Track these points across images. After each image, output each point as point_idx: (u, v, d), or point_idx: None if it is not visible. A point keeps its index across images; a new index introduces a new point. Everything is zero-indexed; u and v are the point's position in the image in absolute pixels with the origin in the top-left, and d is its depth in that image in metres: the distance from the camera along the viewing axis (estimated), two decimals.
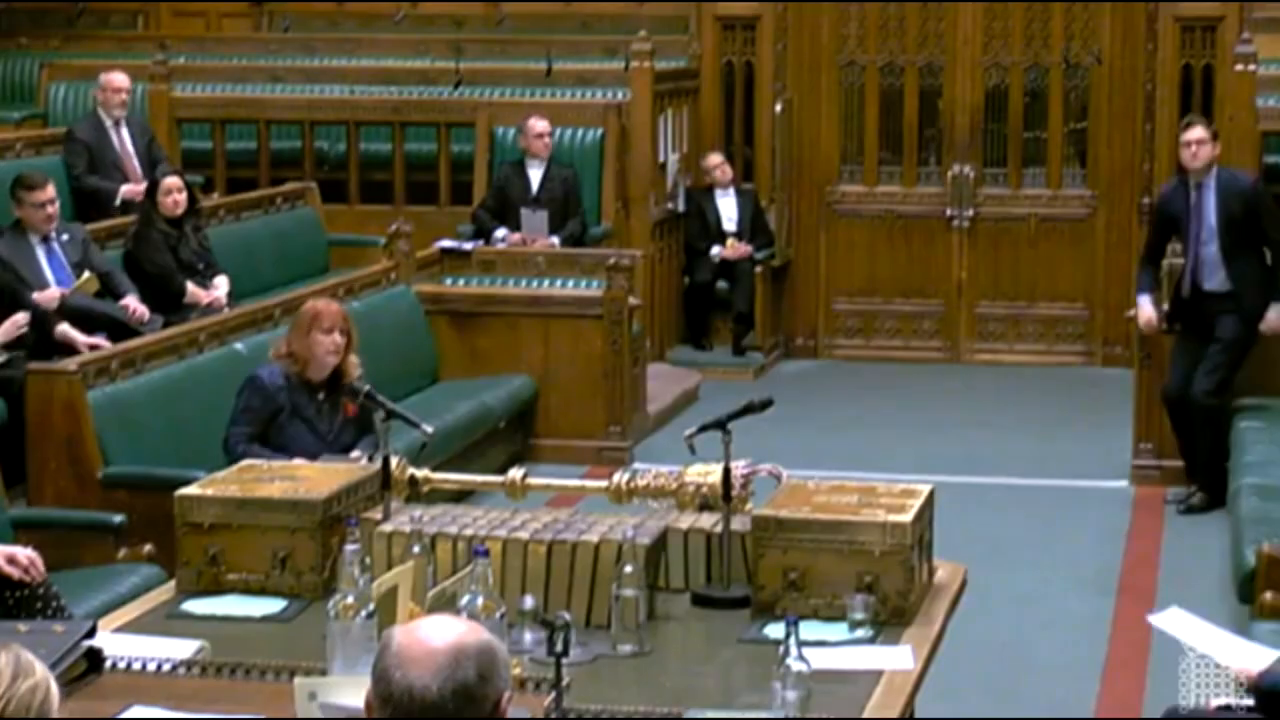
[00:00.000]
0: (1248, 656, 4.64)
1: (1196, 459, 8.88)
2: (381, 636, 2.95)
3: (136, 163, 10.66)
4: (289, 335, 6.98)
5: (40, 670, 2.84)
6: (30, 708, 2.80)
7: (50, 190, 8.69)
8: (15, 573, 5.06)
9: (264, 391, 6.86)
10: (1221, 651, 4.70)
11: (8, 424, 7.50)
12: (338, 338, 6.80)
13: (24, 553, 5.11)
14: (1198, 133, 8.89)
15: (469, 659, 2.78)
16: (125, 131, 10.74)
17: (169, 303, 9.13)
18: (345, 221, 11.82)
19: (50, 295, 8.41)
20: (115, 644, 4.35)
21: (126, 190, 10.42)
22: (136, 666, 4.25)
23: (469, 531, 4.77)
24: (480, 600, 4.04)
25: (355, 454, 6.75)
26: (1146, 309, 9.02)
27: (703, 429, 4.98)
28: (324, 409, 6.91)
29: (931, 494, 4.93)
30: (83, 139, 10.64)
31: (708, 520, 4.96)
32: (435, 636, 2.81)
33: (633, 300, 9.97)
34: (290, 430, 6.85)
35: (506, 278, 10.17)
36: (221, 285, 9.42)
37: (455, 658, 2.78)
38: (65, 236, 8.77)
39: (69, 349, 8.09)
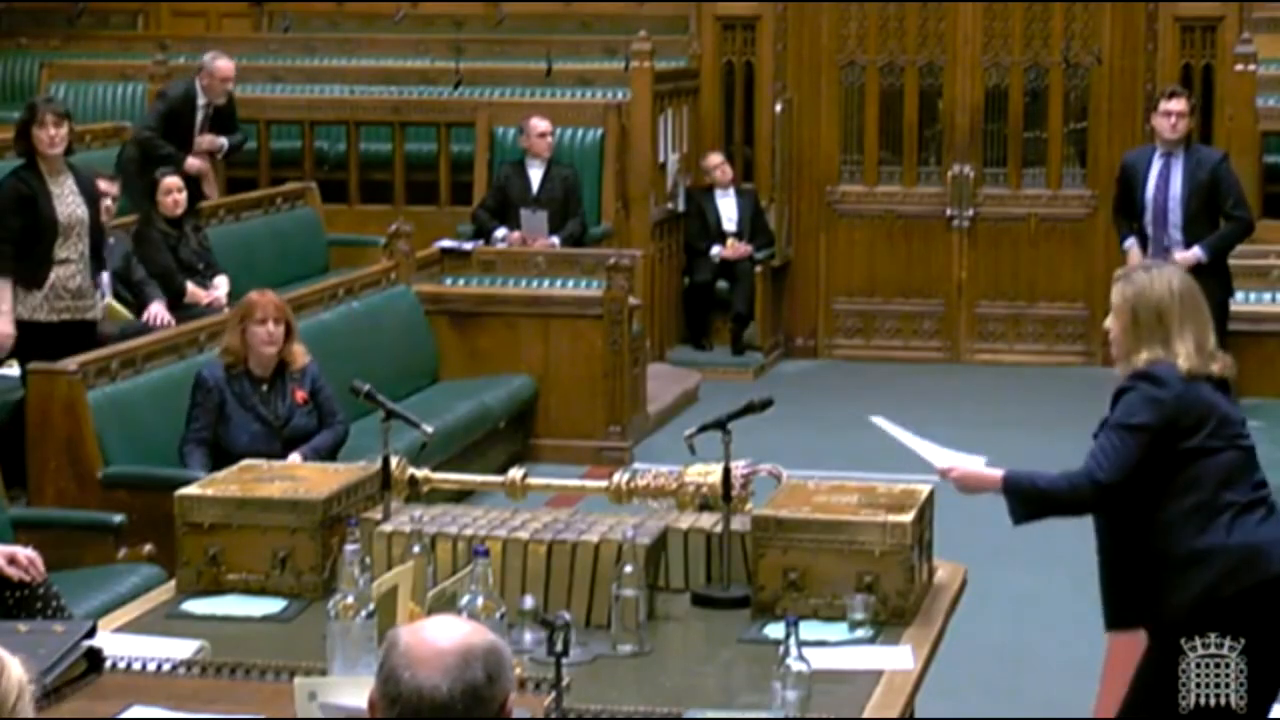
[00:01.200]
0: (942, 455, 4.87)
1: None
2: (384, 637, 2.94)
3: (202, 133, 10.65)
4: (227, 332, 7.14)
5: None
6: None
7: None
8: (15, 573, 5.06)
9: (205, 387, 7.11)
10: (925, 450, 4.91)
11: (8, 424, 7.49)
12: (272, 328, 7.00)
13: (24, 553, 5.11)
14: (1180, 104, 8.95)
15: (478, 659, 2.77)
16: (212, 110, 10.71)
17: (169, 303, 9.13)
18: (345, 221, 11.83)
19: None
20: (115, 644, 4.35)
21: (192, 164, 10.39)
22: (136, 666, 4.24)
23: (469, 531, 4.77)
24: (480, 600, 4.03)
25: (294, 457, 6.96)
26: (1136, 252, 9.06)
27: (703, 429, 4.98)
28: (269, 397, 7.11)
29: (931, 494, 4.93)
30: (171, 100, 10.60)
31: (708, 520, 4.95)
32: (443, 637, 2.80)
33: (633, 300, 9.97)
34: (236, 419, 7.08)
35: (506, 278, 10.17)
36: (221, 285, 9.42)
37: (464, 658, 2.77)
38: (111, 240, 8.77)
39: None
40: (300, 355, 7.17)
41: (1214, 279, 8.94)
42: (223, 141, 10.65)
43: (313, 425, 7.19)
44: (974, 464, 4.86)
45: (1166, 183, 8.94)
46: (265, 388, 7.11)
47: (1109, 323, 4.69)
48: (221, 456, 7.02)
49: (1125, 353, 4.64)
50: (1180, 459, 4.52)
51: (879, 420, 5.12)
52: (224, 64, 10.64)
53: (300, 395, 7.14)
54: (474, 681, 2.76)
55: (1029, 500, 4.65)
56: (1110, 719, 6.08)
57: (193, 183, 10.21)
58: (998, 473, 4.71)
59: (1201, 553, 4.50)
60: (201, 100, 10.60)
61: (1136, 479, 4.51)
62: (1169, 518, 4.51)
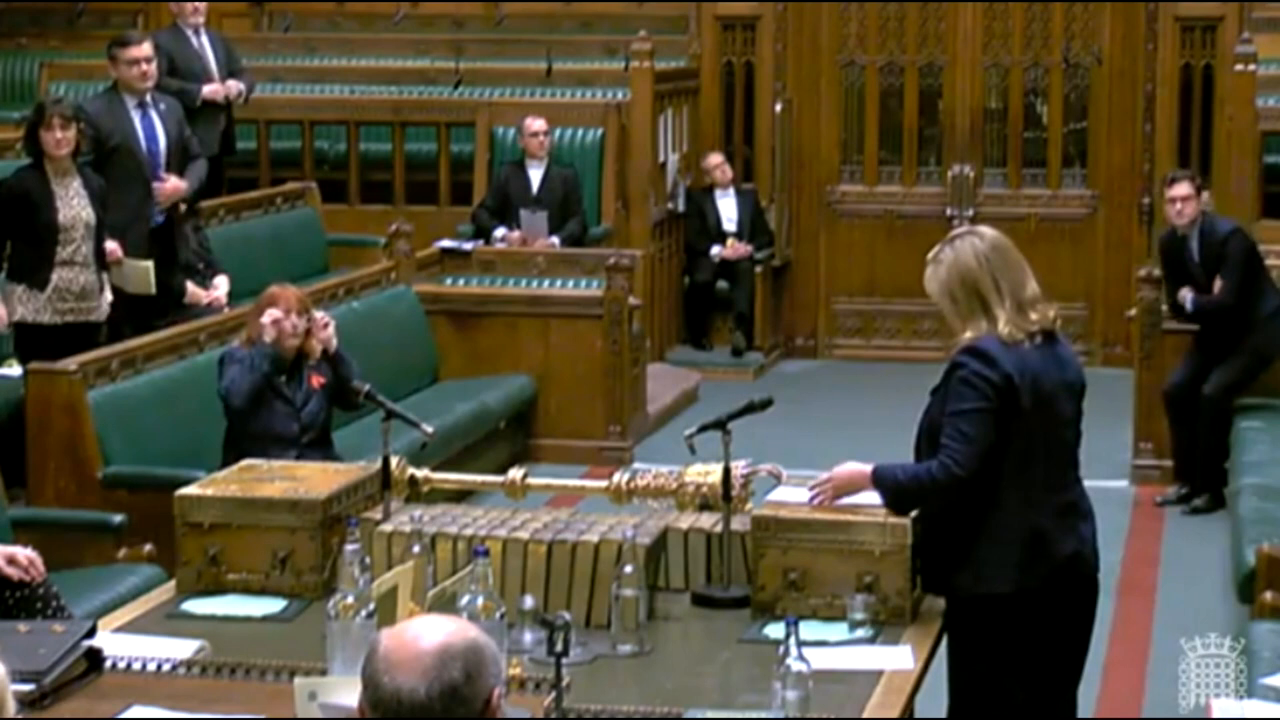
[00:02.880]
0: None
1: (1197, 458, 8.89)
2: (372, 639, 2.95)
3: (215, 67, 10.57)
4: (248, 322, 7.19)
5: None
6: None
7: (148, 48, 8.73)
8: (15, 573, 5.06)
9: (235, 356, 7.13)
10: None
11: (8, 424, 7.49)
12: (295, 319, 6.99)
13: (24, 553, 5.11)
14: (1183, 189, 8.84)
15: (455, 659, 2.77)
16: (205, 39, 10.65)
17: (171, 302, 9.12)
18: (345, 221, 11.83)
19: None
20: (115, 644, 4.35)
21: (209, 90, 10.33)
22: (136, 666, 4.25)
23: (469, 531, 4.77)
24: (480, 600, 4.03)
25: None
26: (1186, 291, 8.97)
27: (703, 429, 4.98)
28: (289, 383, 7.15)
29: None
30: (163, 44, 10.57)
31: (708, 520, 4.95)
32: (421, 638, 2.80)
33: (633, 300, 9.97)
34: (263, 398, 7.07)
35: (506, 278, 10.17)
36: (221, 285, 9.41)
37: (441, 659, 2.77)
38: (163, 106, 8.77)
39: None
40: (317, 349, 7.22)
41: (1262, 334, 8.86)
42: (241, 87, 10.57)
43: (326, 410, 7.23)
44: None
45: (1190, 266, 8.88)
46: (284, 377, 7.15)
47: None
48: (243, 435, 7.02)
49: (956, 331, 4.63)
50: (1006, 438, 4.49)
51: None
52: None
53: (316, 380, 7.19)
54: (452, 682, 2.76)
55: (895, 493, 4.62)
56: (1110, 719, 6.09)
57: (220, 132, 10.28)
58: (868, 467, 4.68)
59: (1008, 535, 4.49)
60: (188, 29, 10.49)
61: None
62: (989, 495, 4.50)
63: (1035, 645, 4.54)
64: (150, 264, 8.54)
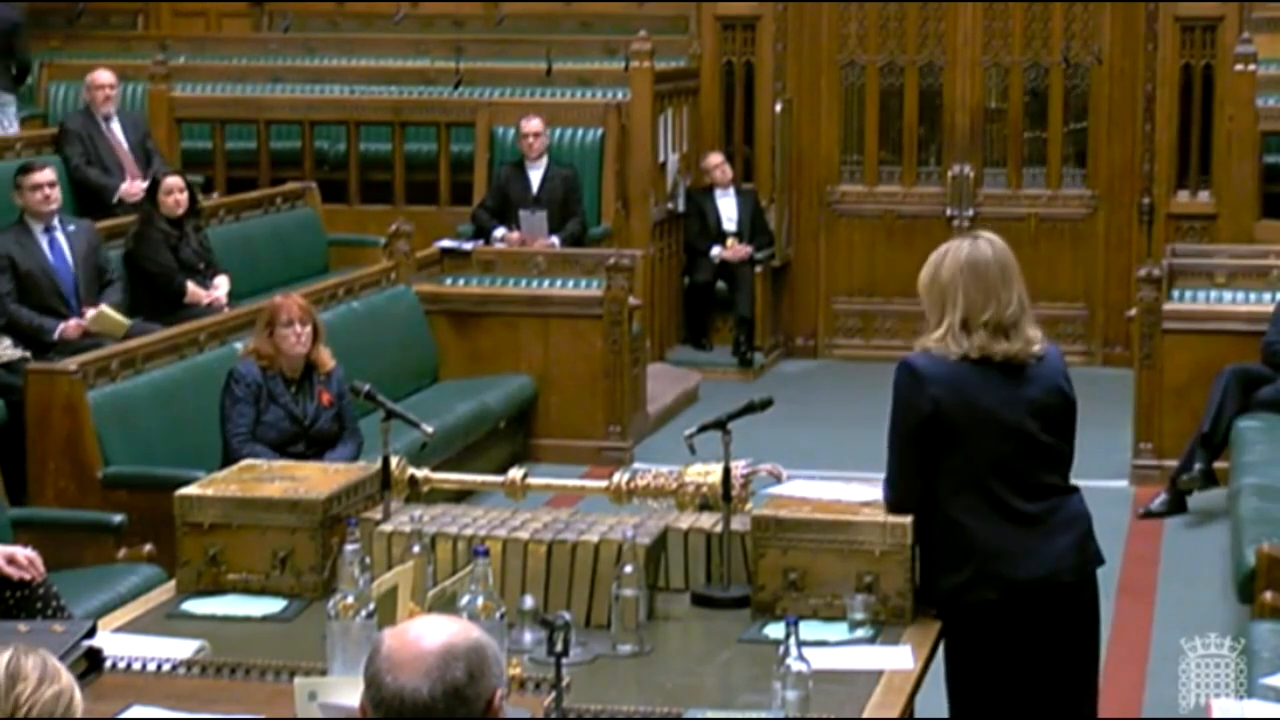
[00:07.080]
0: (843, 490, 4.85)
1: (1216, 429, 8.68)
2: (373, 639, 2.95)
3: (131, 158, 10.62)
4: (254, 336, 7.19)
5: (66, 678, 2.84)
6: (53, 714, 2.79)
7: (49, 173, 8.65)
8: (15, 573, 5.06)
9: (244, 380, 7.09)
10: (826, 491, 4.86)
11: (8, 424, 7.50)
12: (299, 329, 7.02)
13: (24, 553, 5.12)
14: None
15: (458, 659, 2.78)
16: (116, 126, 10.69)
17: (169, 302, 9.13)
18: (345, 221, 11.83)
19: (73, 326, 8.38)
20: (115, 644, 4.35)
21: (124, 189, 10.36)
22: (136, 666, 4.25)
23: (469, 531, 4.77)
24: (480, 600, 4.03)
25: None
26: None
27: (703, 429, 4.98)
28: (298, 397, 7.14)
29: None
30: (75, 130, 10.60)
31: (708, 520, 4.95)
32: (424, 638, 2.81)
33: (633, 300, 9.97)
34: (269, 416, 7.10)
35: (506, 278, 10.17)
36: (222, 285, 9.42)
37: (444, 659, 2.78)
38: (72, 228, 8.74)
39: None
40: (328, 359, 7.20)
41: None
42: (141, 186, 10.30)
43: (335, 428, 7.23)
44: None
45: None
46: (294, 389, 7.14)
47: None
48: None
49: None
50: (944, 450, 4.48)
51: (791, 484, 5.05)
52: (100, 74, 10.67)
53: (326, 397, 7.18)
54: (455, 681, 2.76)
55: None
56: (1110, 719, 6.08)
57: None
58: None
59: (961, 547, 4.48)
60: (98, 116, 10.61)
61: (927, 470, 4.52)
62: (940, 505, 4.50)
63: (1016, 657, 4.50)
64: (103, 306, 8.49)
